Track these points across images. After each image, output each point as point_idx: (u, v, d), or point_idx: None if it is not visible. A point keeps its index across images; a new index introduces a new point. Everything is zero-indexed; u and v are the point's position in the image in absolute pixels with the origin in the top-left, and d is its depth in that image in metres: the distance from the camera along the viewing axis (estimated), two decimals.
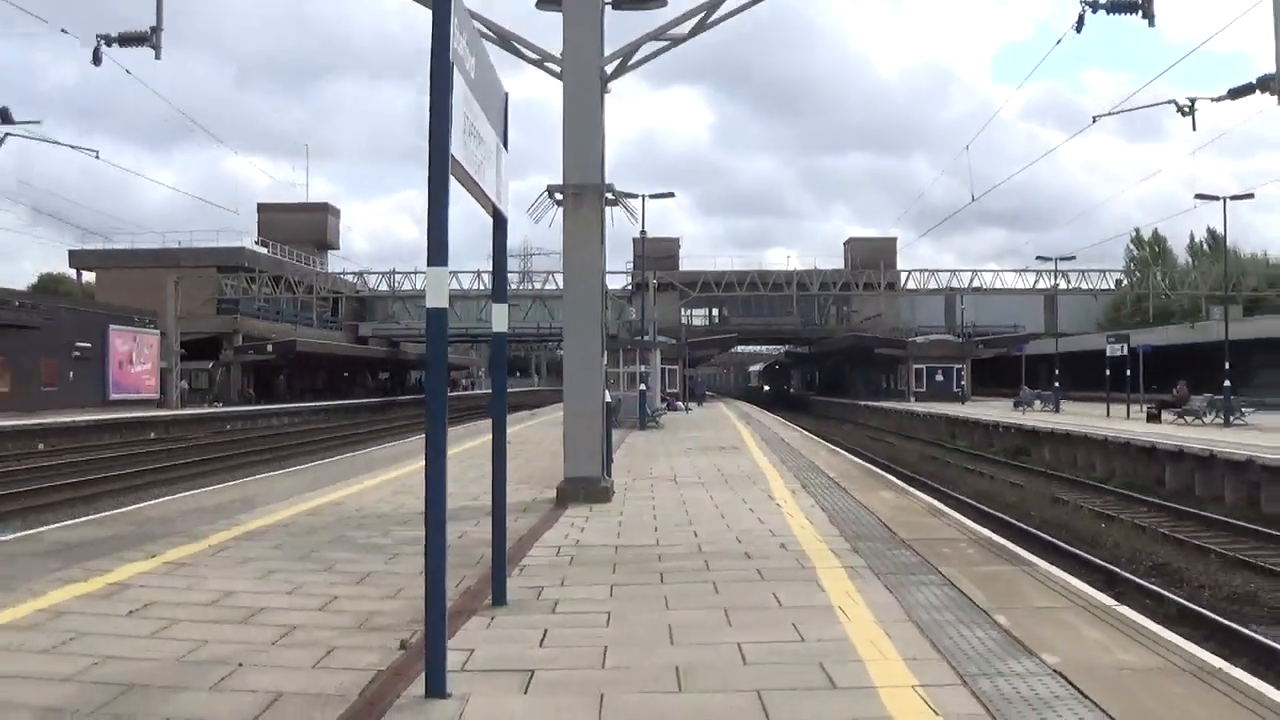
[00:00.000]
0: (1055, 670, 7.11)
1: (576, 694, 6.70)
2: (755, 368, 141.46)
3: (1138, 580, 17.05)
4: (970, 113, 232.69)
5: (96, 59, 21.92)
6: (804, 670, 7.18)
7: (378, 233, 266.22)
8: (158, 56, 21.47)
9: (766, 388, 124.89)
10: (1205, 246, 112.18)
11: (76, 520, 16.46)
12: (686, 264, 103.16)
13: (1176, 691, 6.76)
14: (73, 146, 59.52)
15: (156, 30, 21.17)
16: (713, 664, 7.36)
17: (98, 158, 46.68)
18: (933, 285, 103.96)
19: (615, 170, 22.48)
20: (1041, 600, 9.44)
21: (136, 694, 6.71)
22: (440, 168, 6.71)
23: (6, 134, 24.77)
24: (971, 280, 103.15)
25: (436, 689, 6.61)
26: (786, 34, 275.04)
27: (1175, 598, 15.78)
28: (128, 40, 21.51)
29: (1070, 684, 6.81)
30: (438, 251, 6.76)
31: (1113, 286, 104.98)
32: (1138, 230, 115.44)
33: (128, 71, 24.37)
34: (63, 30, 23.60)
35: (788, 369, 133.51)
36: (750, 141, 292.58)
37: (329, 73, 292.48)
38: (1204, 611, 14.91)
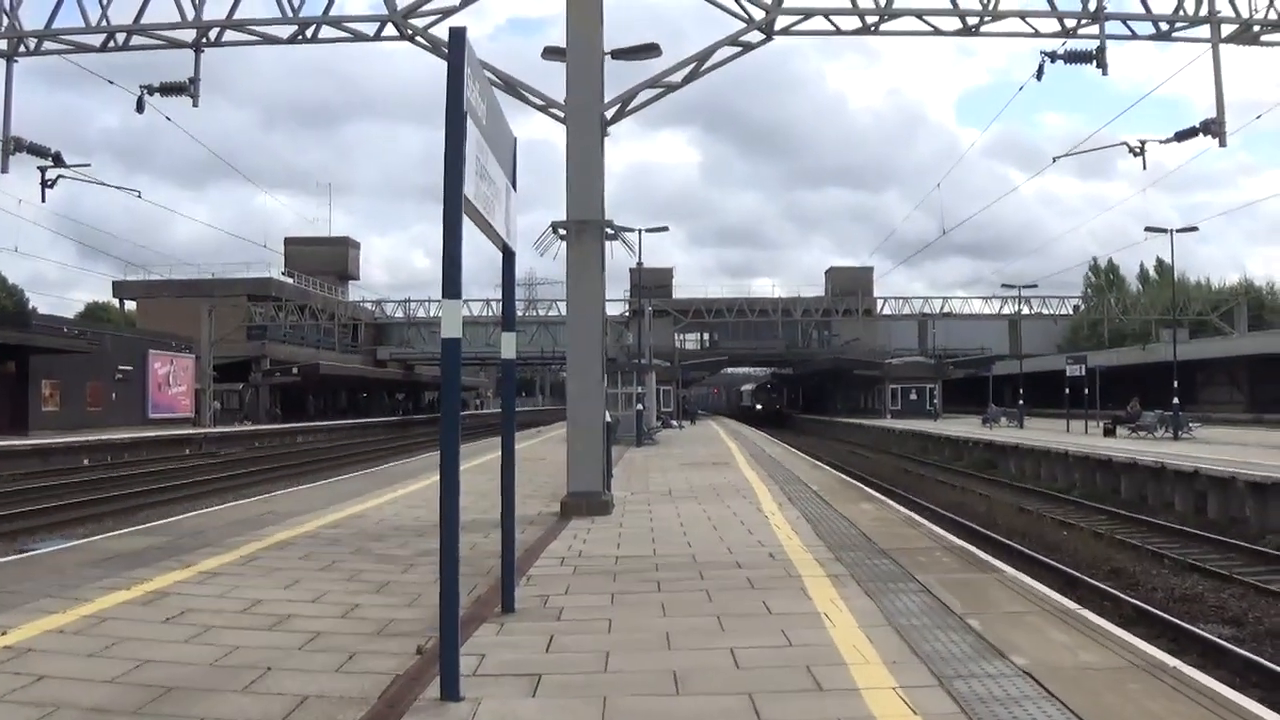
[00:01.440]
0: (1024, 671, 7.10)
1: (581, 697, 6.66)
2: (747, 387, 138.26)
3: (1097, 584, 16.99)
4: (936, 152, 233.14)
5: (140, 107, 21.91)
6: (792, 674, 7.14)
7: (393, 263, 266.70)
8: (195, 104, 21.45)
9: (759, 406, 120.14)
10: (1154, 274, 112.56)
11: (119, 531, 16.46)
12: (679, 292, 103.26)
13: (1134, 687, 6.78)
14: (118, 187, 59.77)
15: (194, 81, 21.14)
16: (707, 668, 7.32)
17: (140, 197, 46.52)
18: (907, 311, 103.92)
19: (612, 206, 22.77)
20: (1010, 605, 9.40)
21: (174, 696, 6.69)
22: (454, 207, 6.69)
23: (59, 176, 24.59)
24: (942, 307, 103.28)
25: (451, 692, 6.57)
26: (769, 81, 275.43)
27: (1131, 599, 15.73)
28: (168, 90, 21.47)
29: (1038, 683, 6.81)
30: (452, 285, 6.73)
31: (1071, 312, 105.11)
32: (1095, 259, 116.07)
33: (168, 118, 24.29)
34: (110, 82, 23.51)
35: (779, 388, 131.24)
36: (736, 179, 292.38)
37: (348, 116, 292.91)
38: (1157, 612, 14.85)
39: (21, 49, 21.71)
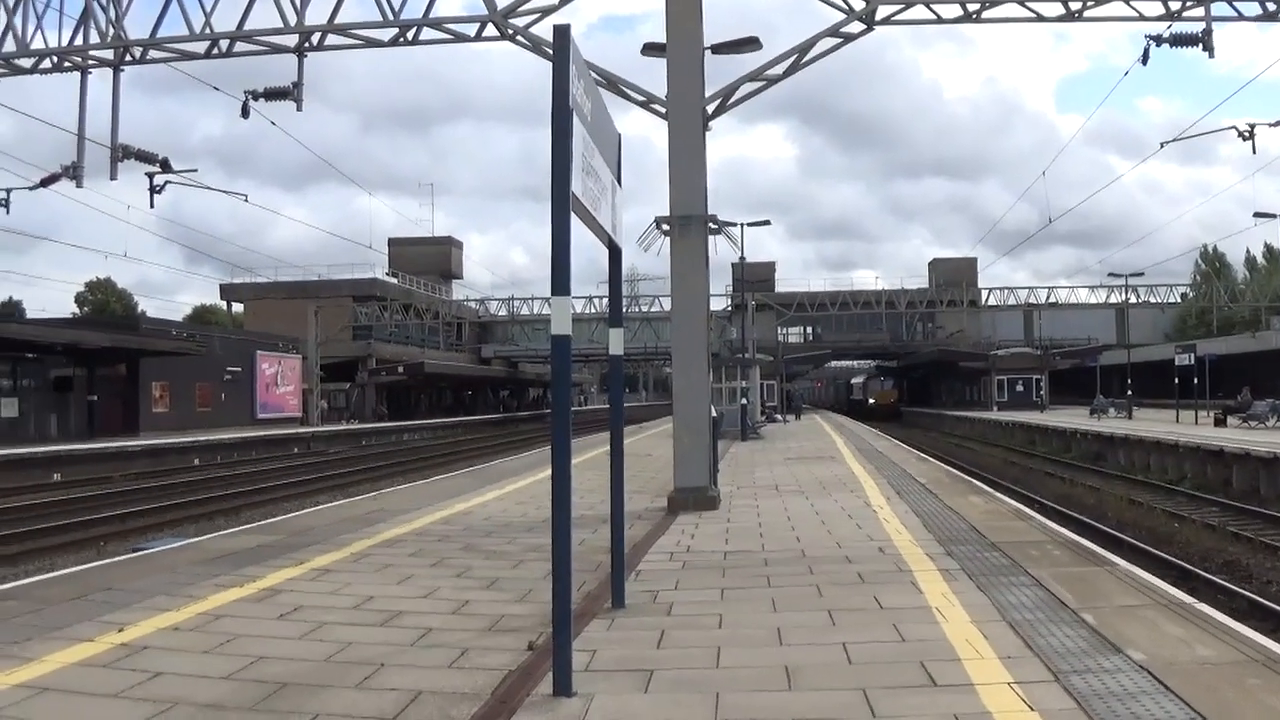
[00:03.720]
0: (1141, 666, 6.95)
1: (694, 693, 6.64)
2: (857, 380, 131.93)
3: (1210, 577, 16.68)
4: (1036, 141, 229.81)
5: (245, 112, 22.19)
6: (906, 669, 7.07)
7: (493, 260, 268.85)
8: (299, 108, 21.70)
9: (872, 400, 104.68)
10: (1262, 261, 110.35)
11: (230, 530, 16.73)
12: (781, 286, 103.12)
13: (1253, 682, 6.63)
14: (225, 191, 60.56)
15: (298, 85, 21.35)
16: (820, 663, 7.27)
17: (247, 201, 47.04)
18: (1011, 302, 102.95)
19: (711, 201, 22.62)
20: (1124, 599, 9.22)
21: (288, 692, 6.77)
22: (562, 204, 6.70)
23: (167, 181, 25.02)
24: (1048, 297, 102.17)
25: (563, 688, 6.58)
26: (864, 73, 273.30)
27: (1246, 593, 15.44)
28: (272, 95, 21.72)
29: (1156, 679, 6.67)
30: (561, 282, 6.73)
31: (1178, 300, 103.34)
32: (1205, 246, 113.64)
33: (273, 123, 24.56)
34: (214, 88, 23.90)
35: (895, 380, 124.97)
36: (833, 171, 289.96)
37: (445, 119, 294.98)
38: (1273, 605, 14.56)
39: (128, 58, 22.07)
